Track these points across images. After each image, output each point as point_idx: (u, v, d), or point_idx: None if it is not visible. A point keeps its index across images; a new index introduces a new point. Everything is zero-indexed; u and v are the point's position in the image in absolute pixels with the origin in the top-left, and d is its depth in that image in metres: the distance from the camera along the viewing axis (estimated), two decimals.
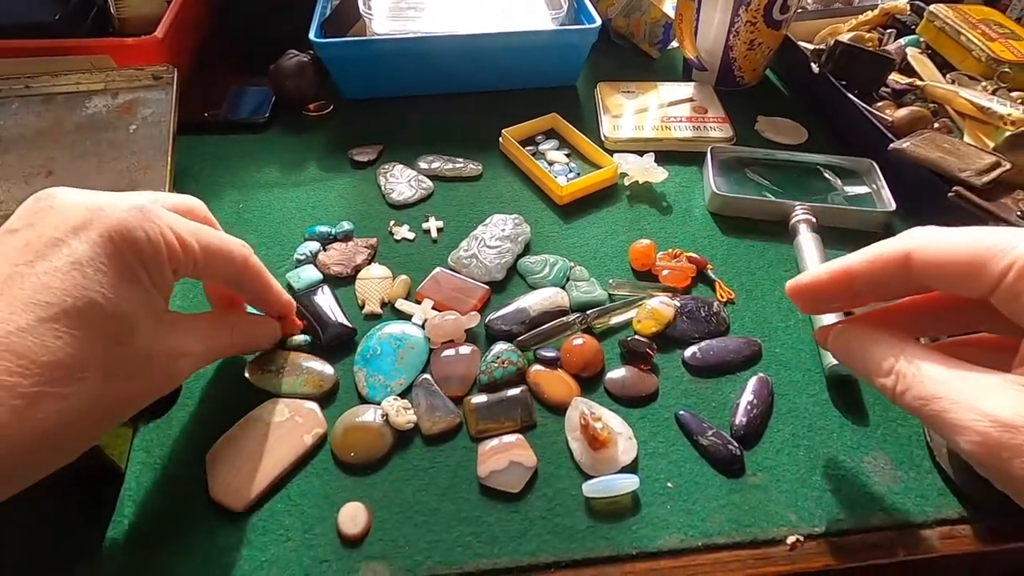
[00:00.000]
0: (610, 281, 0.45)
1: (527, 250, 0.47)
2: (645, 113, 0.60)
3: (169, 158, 0.49)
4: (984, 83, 0.54)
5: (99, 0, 0.59)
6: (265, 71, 0.59)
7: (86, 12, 0.58)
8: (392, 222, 0.48)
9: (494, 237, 0.47)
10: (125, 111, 0.52)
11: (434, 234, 0.48)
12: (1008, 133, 0.46)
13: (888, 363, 0.25)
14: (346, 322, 0.41)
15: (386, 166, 0.54)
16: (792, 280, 0.31)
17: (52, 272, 0.23)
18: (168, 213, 0.28)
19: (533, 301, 0.42)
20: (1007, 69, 0.53)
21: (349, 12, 0.61)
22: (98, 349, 0.24)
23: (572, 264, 0.46)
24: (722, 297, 0.44)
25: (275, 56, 0.60)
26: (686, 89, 0.63)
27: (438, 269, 0.45)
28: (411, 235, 0.48)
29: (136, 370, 0.26)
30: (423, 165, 0.55)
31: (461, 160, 0.55)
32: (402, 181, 0.53)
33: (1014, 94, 0.53)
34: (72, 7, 0.57)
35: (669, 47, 0.72)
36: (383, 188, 0.52)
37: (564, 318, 0.42)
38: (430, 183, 0.53)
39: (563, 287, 0.44)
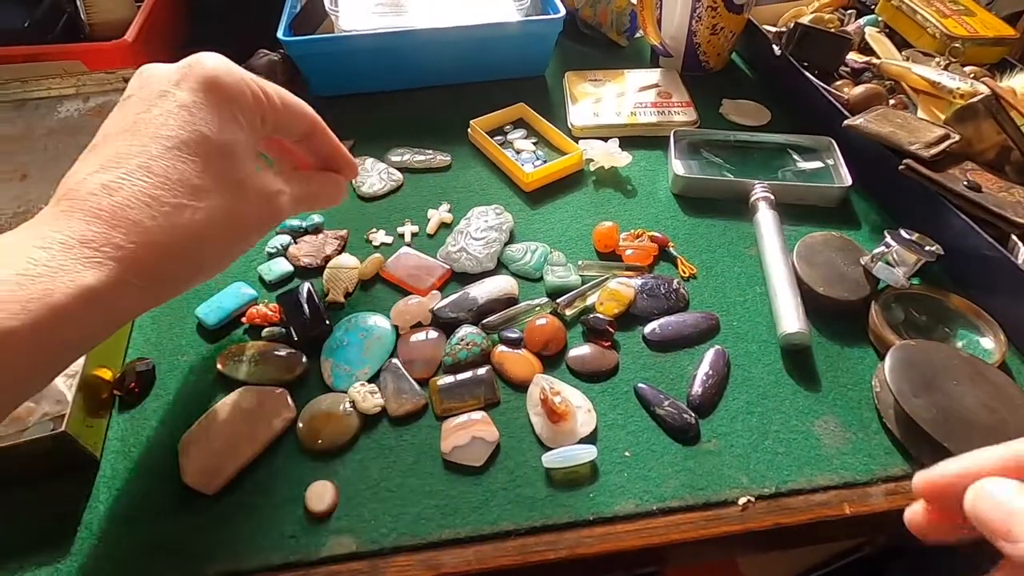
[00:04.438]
0: (579, 263, 0.46)
1: (512, 238, 0.48)
2: (611, 100, 0.61)
3: None
4: (937, 59, 0.55)
5: (69, 7, 0.60)
6: None
7: (56, 18, 0.59)
8: (371, 230, 0.49)
9: (479, 229, 0.48)
10: (97, 115, 0.53)
11: (408, 238, 0.49)
12: (957, 106, 0.47)
13: None
14: (325, 321, 0.41)
15: (356, 160, 0.55)
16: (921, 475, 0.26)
17: (166, 114, 0.28)
18: (247, 72, 0.32)
19: (481, 289, 0.43)
20: (958, 44, 0.54)
21: (317, 10, 0.62)
22: (214, 172, 0.29)
23: (551, 250, 0.47)
24: (684, 273, 0.45)
25: (246, 56, 0.61)
26: (652, 75, 0.64)
27: (403, 249, 0.47)
28: (389, 239, 0.49)
29: (247, 195, 0.31)
30: (394, 158, 0.56)
31: (431, 151, 0.56)
32: (372, 174, 0.54)
33: (966, 69, 0.54)
34: (42, 13, 0.58)
35: (637, 35, 0.73)
36: (354, 182, 0.53)
37: (531, 302, 0.43)
38: (399, 175, 0.54)
39: (542, 272, 0.45)
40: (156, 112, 0.29)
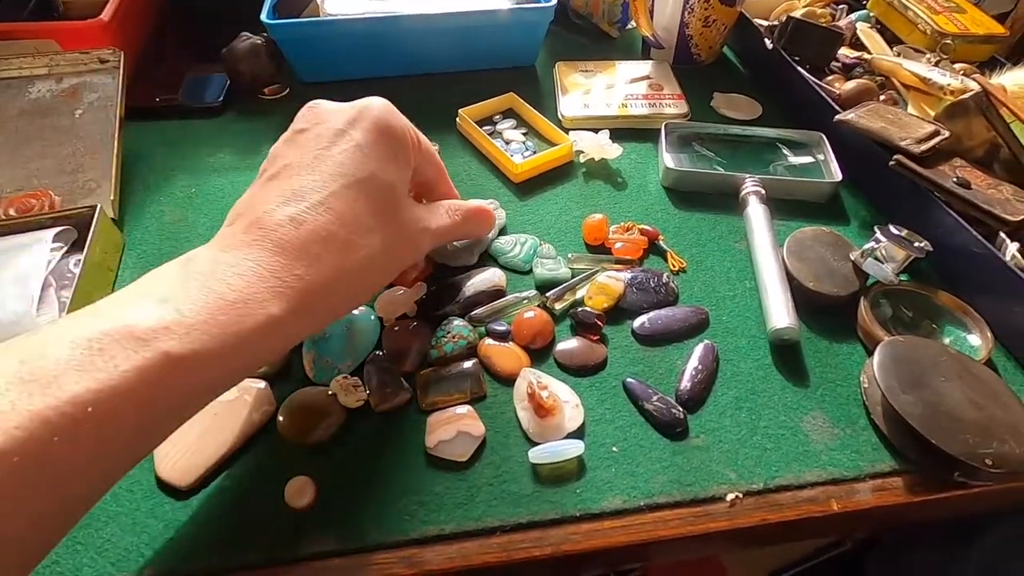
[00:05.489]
0: (568, 255, 0.45)
1: (503, 233, 0.47)
2: (602, 92, 0.60)
3: (116, 143, 0.48)
4: (928, 55, 0.55)
5: None
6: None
7: None
8: None
9: None
10: (70, 96, 0.51)
11: None
12: (947, 103, 0.47)
13: None
14: None
15: None
16: None
17: (343, 153, 0.31)
18: (404, 117, 0.35)
19: (469, 281, 0.42)
20: (949, 41, 0.54)
21: None
22: (379, 211, 0.31)
23: (541, 242, 0.46)
24: (674, 266, 0.45)
25: (228, 40, 0.59)
26: (643, 67, 0.63)
27: None
28: None
29: (399, 233, 0.33)
30: None
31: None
32: None
33: (956, 65, 0.54)
34: None
35: (628, 26, 0.72)
36: None
37: (519, 295, 0.42)
38: None
39: (532, 264, 0.45)
40: (335, 151, 0.31)
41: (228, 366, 0.26)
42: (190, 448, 0.34)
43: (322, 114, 0.33)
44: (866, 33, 0.60)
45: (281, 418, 0.36)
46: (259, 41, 0.59)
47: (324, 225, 0.28)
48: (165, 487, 0.33)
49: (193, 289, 0.25)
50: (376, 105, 0.33)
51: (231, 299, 0.25)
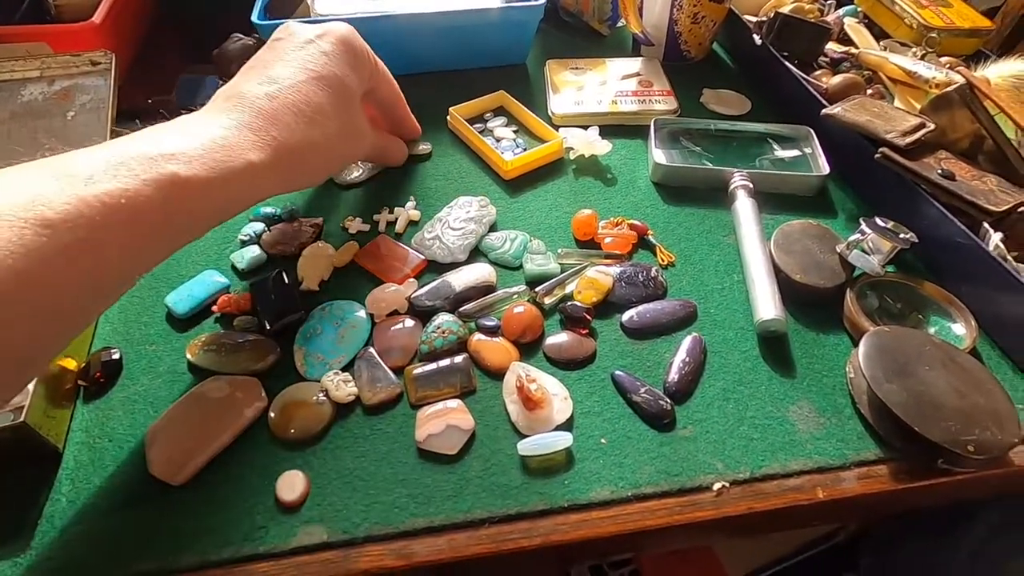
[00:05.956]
0: (559, 251, 0.45)
1: (493, 230, 0.47)
2: (592, 89, 0.60)
3: None
4: (914, 49, 0.55)
5: None
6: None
7: None
8: (348, 217, 0.48)
9: (458, 219, 0.47)
10: (62, 98, 0.51)
11: (383, 226, 0.48)
12: (932, 96, 0.47)
13: None
14: (298, 308, 0.41)
15: None
16: None
17: (311, 56, 0.38)
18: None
19: (459, 277, 0.43)
20: (935, 35, 0.55)
21: None
22: (337, 103, 0.38)
23: (531, 238, 0.46)
24: (662, 261, 0.45)
25: (219, 41, 0.59)
26: (633, 64, 0.64)
27: (380, 237, 0.46)
28: (366, 227, 0.48)
29: (351, 129, 0.40)
30: None
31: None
32: None
33: (942, 59, 0.54)
34: None
35: (619, 24, 0.72)
36: None
37: (508, 290, 0.43)
38: None
39: (522, 260, 0.45)
40: (303, 54, 0.37)
41: (220, 196, 0.31)
42: (183, 443, 0.34)
43: (295, 28, 0.39)
44: (853, 28, 0.61)
45: (273, 414, 0.36)
46: (250, 42, 0.59)
47: (294, 102, 0.35)
48: (159, 483, 0.33)
49: (190, 136, 0.31)
50: (341, 25, 0.40)
51: (221, 143, 0.31)
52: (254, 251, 0.45)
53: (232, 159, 0.31)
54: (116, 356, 0.38)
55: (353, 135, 0.41)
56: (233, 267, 0.44)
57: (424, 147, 0.55)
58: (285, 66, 0.37)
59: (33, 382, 0.33)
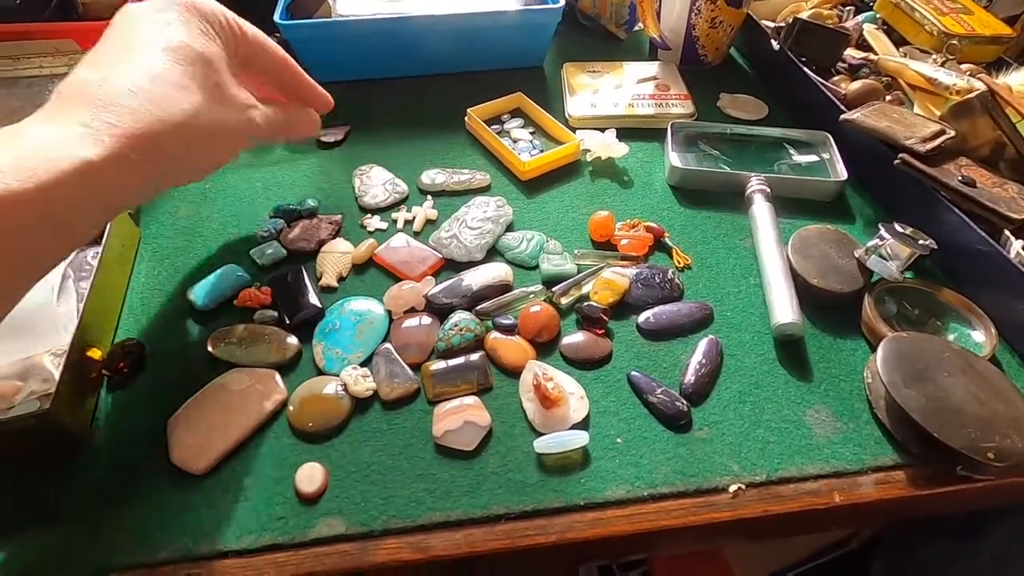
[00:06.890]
0: (575, 251, 0.46)
1: (509, 231, 0.48)
2: (609, 92, 0.60)
3: None
4: (934, 56, 0.55)
5: None
6: None
7: None
8: (366, 215, 0.49)
9: (476, 219, 0.47)
10: None
11: (400, 224, 0.48)
12: (953, 102, 0.47)
13: None
14: (317, 303, 0.41)
15: (364, 167, 0.53)
16: None
17: (151, 29, 0.33)
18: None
19: (476, 275, 0.43)
20: (955, 42, 0.55)
21: None
22: (195, 74, 0.32)
23: (548, 239, 0.47)
24: (679, 263, 0.45)
25: None
26: (650, 68, 0.64)
27: (397, 235, 0.47)
28: (383, 225, 0.48)
29: (225, 98, 0.34)
30: (425, 180, 0.51)
31: (467, 171, 0.52)
32: (376, 184, 0.51)
33: (963, 66, 0.54)
34: None
35: (636, 28, 0.72)
36: (357, 190, 0.51)
37: (525, 289, 0.43)
38: (404, 187, 0.51)
39: (539, 260, 0.45)
40: (146, 29, 0.33)
41: (40, 206, 0.26)
42: (204, 435, 0.34)
43: (131, 9, 0.35)
44: (872, 34, 0.61)
45: (292, 407, 0.36)
46: None
47: (132, 81, 0.30)
48: (180, 472, 0.33)
49: (2, 148, 0.27)
50: None
51: (38, 146, 0.27)
52: (274, 247, 0.46)
53: (54, 161, 0.27)
54: (140, 347, 0.39)
55: (227, 106, 0.34)
56: (254, 262, 0.45)
57: (481, 177, 0.52)
58: (120, 49, 0.32)
59: (59, 370, 0.34)
